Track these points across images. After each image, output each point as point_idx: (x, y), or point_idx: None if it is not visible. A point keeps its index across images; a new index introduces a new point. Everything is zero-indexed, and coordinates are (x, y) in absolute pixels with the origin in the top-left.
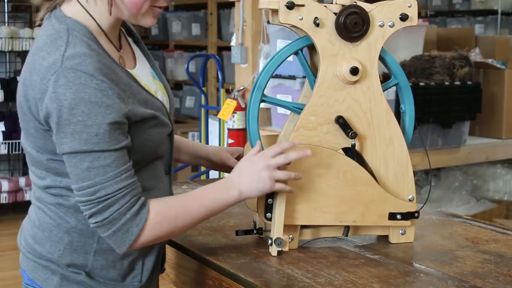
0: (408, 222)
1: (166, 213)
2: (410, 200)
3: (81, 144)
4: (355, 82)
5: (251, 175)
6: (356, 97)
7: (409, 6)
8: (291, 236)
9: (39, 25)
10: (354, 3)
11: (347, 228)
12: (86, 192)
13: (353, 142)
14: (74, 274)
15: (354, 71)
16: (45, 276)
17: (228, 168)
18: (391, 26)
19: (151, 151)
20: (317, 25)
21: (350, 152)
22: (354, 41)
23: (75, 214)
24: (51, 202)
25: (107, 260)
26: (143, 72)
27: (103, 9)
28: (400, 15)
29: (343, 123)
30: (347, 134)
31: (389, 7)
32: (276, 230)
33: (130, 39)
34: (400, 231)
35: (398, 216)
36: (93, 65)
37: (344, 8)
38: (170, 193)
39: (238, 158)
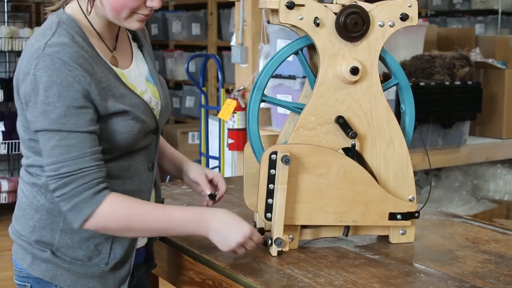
0: (408, 222)
1: (119, 210)
2: (410, 200)
3: (50, 123)
4: (355, 82)
5: (227, 235)
6: (356, 97)
7: (409, 6)
8: (291, 236)
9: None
10: (354, 3)
11: (347, 228)
12: (52, 167)
13: (353, 142)
14: (41, 252)
15: (354, 71)
16: (22, 256)
17: (195, 186)
18: (391, 26)
19: (122, 143)
20: (317, 25)
21: (350, 152)
22: (354, 41)
23: (45, 193)
24: (28, 182)
25: (72, 239)
26: (135, 73)
27: (94, 10)
28: (400, 15)
29: (343, 123)
30: (347, 134)
31: (389, 7)
32: (276, 230)
33: (134, 44)
34: (400, 231)
35: (398, 216)
36: (69, 54)
37: (345, 8)
38: (151, 189)
39: (211, 182)
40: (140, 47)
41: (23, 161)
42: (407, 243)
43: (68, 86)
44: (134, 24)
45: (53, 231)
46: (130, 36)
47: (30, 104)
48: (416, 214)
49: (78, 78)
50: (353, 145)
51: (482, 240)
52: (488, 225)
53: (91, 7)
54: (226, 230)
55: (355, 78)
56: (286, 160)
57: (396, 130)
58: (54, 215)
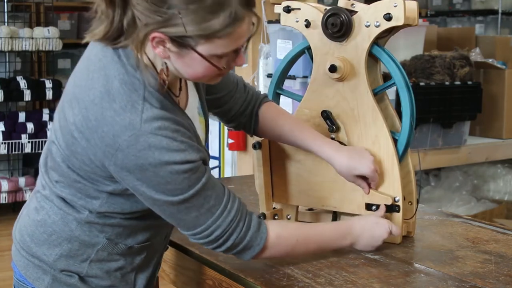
0: (386, 215)
1: (286, 238)
2: (395, 201)
3: (178, 195)
4: (342, 80)
5: (371, 237)
6: (344, 94)
7: (394, 6)
8: (288, 215)
9: (85, 44)
10: (352, 4)
11: (334, 214)
12: (203, 235)
13: (332, 136)
14: (66, 277)
15: (332, 68)
16: (37, 275)
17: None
18: (376, 26)
19: None
20: (308, 26)
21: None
22: (340, 41)
23: (81, 226)
24: (61, 208)
25: (101, 269)
26: (192, 111)
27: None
28: (386, 14)
29: (326, 117)
30: (328, 128)
31: (375, 7)
32: (260, 206)
33: None
34: None
35: (374, 208)
36: (171, 127)
37: (327, 10)
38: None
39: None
40: None
41: (54, 188)
42: (406, 242)
43: (181, 161)
44: (212, 81)
45: (83, 261)
46: None
47: (134, 182)
48: (397, 208)
49: (187, 151)
50: (332, 139)
51: (482, 240)
52: (488, 225)
53: (164, 82)
54: (371, 237)
55: (334, 75)
56: (254, 146)
57: (382, 129)
58: (88, 247)
